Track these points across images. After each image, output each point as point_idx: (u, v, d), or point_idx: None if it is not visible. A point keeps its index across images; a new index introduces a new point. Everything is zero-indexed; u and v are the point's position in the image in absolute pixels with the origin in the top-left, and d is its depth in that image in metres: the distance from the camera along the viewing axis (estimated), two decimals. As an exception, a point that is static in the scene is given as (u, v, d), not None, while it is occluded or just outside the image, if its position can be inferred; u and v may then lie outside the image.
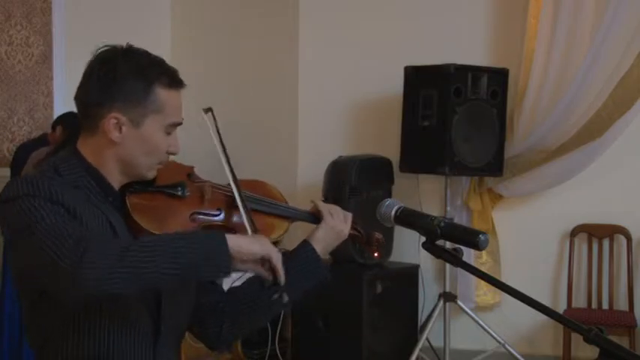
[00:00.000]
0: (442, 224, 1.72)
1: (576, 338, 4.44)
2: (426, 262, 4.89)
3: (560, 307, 4.82)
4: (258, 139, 5.57)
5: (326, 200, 4.51)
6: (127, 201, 1.81)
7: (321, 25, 5.32)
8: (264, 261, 1.68)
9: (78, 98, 1.81)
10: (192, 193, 1.89)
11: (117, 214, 1.79)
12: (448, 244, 1.74)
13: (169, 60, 1.84)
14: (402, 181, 4.92)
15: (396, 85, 4.80)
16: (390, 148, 4.89)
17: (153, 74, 1.77)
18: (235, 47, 5.69)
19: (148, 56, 1.80)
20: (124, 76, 1.75)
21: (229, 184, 1.93)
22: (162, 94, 1.78)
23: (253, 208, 1.92)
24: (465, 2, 5.13)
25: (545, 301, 3.87)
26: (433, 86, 4.59)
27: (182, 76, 1.84)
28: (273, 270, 1.69)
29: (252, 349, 4.94)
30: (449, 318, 4.70)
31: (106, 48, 1.79)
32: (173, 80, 1.80)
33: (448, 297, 4.63)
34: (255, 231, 1.86)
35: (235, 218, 1.91)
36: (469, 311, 4.64)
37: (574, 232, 4.88)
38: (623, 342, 4.44)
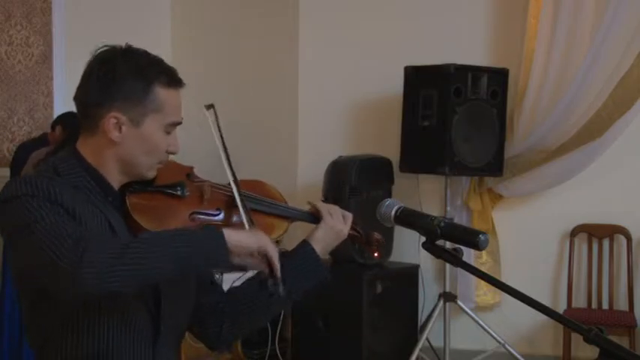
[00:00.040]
0: (442, 224, 1.72)
1: (576, 338, 4.44)
2: (426, 262, 4.89)
3: (560, 307, 4.82)
4: (258, 139, 5.57)
5: (326, 200, 4.52)
6: (127, 201, 1.81)
7: (321, 25, 5.32)
8: (261, 255, 1.70)
9: (77, 98, 1.81)
10: (191, 192, 1.89)
11: (116, 213, 1.79)
12: (448, 244, 1.73)
13: (169, 60, 1.85)
14: (402, 181, 4.92)
15: (396, 85, 4.80)
16: (390, 148, 4.89)
17: (152, 74, 1.77)
18: (235, 47, 5.69)
19: (147, 56, 1.80)
20: (124, 76, 1.76)
21: (229, 184, 1.93)
22: (161, 93, 1.78)
23: (253, 207, 1.92)
24: (465, 2, 5.13)
25: (545, 301, 3.87)
26: (433, 86, 4.59)
27: (182, 76, 1.84)
28: (269, 263, 1.70)
29: (252, 349, 4.94)
30: (449, 318, 4.70)
31: (105, 48, 1.80)
32: (172, 79, 1.80)
33: (448, 297, 4.63)
34: (254, 231, 1.87)
35: (235, 218, 1.92)
36: (469, 311, 4.64)
37: (574, 232, 4.88)
38: (623, 342, 4.44)
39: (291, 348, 4.95)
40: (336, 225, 1.98)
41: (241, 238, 1.68)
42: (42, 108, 5.61)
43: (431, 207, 4.93)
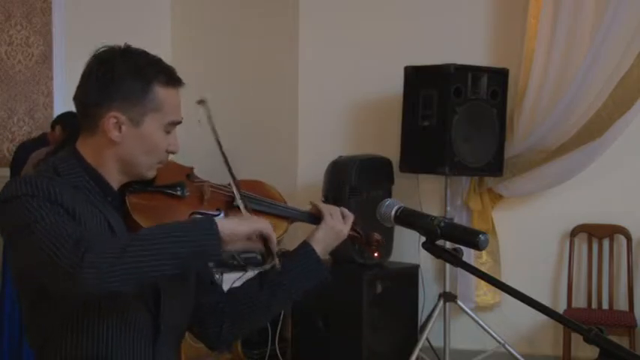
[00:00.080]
0: (442, 224, 1.72)
1: (576, 338, 4.44)
2: (426, 262, 4.89)
3: (560, 307, 4.82)
4: (258, 139, 5.57)
5: (326, 200, 4.52)
6: (127, 201, 1.81)
7: (321, 25, 5.32)
8: (258, 236, 1.73)
9: (77, 98, 1.82)
10: (191, 193, 1.90)
11: (116, 213, 1.79)
12: (448, 244, 1.73)
13: (169, 60, 1.85)
14: (402, 181, 4.92)
15: (396, 85, 4.80)
16: (390, 148, 4.89)
17: (151, 73, 1.78)
18: (235, 47, 5.69)
19: (146, 56, 1.81)
20: (123, 75, 1.76)
21: (229, 184, 1.93)
22: (160, 92, 1.78)
23: (252, 208, 1.92)
24: (465, 2, 5.13)
25: (545, 301, 3.87)
26: (433, 86, 4.59)
27: (182, 76, 1.84)
28: (265, 240, 1.73)
29: (252, 349, 4.94)
30: (449, 318, 4.70)
31: (103, 49, 1.80)
32: (171, 78, 1.81)
33: (448, 297, 4.63)
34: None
35: (235, 218, 1.92)
36: (469, 311, 4.64)
37: (574, 232, 4.88)
38: (623, 342, 4.44)
39: (291, 348, 4.95)
40: (336, 225, 1.99)
41: (234, 226, 1.70)
42: (42, 108, 5.61)
43: (431, 207, 4.93)
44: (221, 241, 1.65)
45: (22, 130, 5.58)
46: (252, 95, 5.63)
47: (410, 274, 4.88)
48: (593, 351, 1.44)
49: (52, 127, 4.88)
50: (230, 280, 3.92)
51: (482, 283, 4.98)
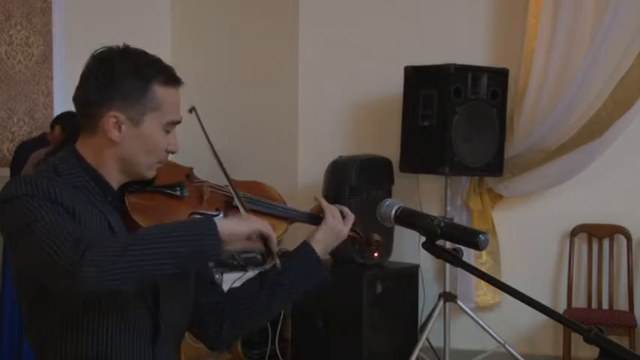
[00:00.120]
0: (442, 224, 1.72)
1: (576, 338, 4.44)
2: (426, 262, 4.89)
3: (560, 307, 4.82)
4: (258, 139, 5.57)
5: (326, 200, 4.51)
6: (126, 200, 1.81)
7: (321, 25, 5.32)
8: (257, 236, 1.73)
9: (76, 98, 1.82)
10: (190, 193, 1.90)
11: (115, 213, 1.80)
12: (448, 244, 1.73)
13: (169, 60, 1.85)
14: (402, 181, 4.92)
15: (396, 85, 4.80)
16: (390, 148, 4.89)
17: (150, 72, 1.78)
18: (235, 47, 5.69)
19: (145, 55, 1.81)
20: (122, 75, 1.76)
21: (228, 185, 1.93)
22: (159, 91, 1.78)
23: (252, 208, 1.92)
24: (465, 2, 5.13)
25: (545, 301, 3.87)
26: (433, 86, 4.59)
27: (182, 76, 1.84)
28: (265, 240, 1.73)
29: (252, 349, 4.94)
30: (449, 318, 4.69)
31: (102, 49, 1.80)
32: (170, 78, 1.81)
33: (448, 297, 4.63)
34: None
35: (234, 219, 1.92)
36: (469, 311, 4.64)
37: (574, 232, 4.88)
38: (623, 342, 4.44)
39: (291, 348, 4.95)
40: (336, 226, 1.99)
41: (233, 226, 1.70)
42: (42, 108, 5.60)
43: (431, 207, 4.94)
44: (221, 240, 1.65)
45: (22, 130, 5.58)
46: (252, 95, 5.63)
47: (410, 274, 4.88)
48: (593, 351, 1.44)
49: (52, 127, 4.88)
50: (230, 280, 3.92)
51: (482, 283, 4.98)
